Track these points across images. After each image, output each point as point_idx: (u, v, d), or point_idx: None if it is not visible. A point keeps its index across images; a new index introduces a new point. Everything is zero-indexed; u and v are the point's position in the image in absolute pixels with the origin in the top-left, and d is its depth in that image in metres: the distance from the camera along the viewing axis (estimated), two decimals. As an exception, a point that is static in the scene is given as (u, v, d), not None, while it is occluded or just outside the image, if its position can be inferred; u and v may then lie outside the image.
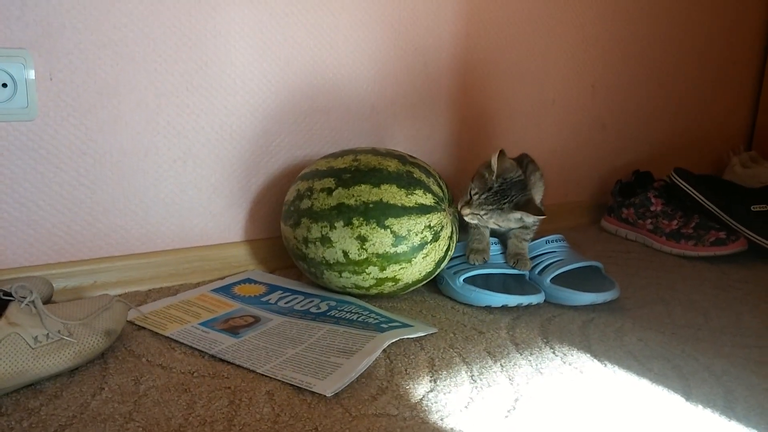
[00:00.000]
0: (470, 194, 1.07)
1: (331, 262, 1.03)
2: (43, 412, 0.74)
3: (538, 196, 1.12)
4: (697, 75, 1.88)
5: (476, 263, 1.13)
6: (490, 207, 1.06)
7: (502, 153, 1.06)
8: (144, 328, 0.95)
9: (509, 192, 1.05)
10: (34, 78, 0.96)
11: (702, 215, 1.49)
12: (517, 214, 1.05)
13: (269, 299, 1.08)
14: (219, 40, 1.10)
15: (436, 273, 1.09)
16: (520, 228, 1.14)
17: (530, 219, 1.07)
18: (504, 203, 1.05)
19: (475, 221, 1.09)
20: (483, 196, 1.06)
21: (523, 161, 1.14)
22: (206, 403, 0.77)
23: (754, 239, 1.42)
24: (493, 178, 1.05)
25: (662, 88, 1.81)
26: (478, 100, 1.45)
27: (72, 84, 1.00)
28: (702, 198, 1.51)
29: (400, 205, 1.00)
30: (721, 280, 1.30)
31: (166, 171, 1.11)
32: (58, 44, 0.98)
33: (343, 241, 1.00)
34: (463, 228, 1.15)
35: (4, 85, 0.94)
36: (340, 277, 1.04)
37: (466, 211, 1.07)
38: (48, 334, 0.78)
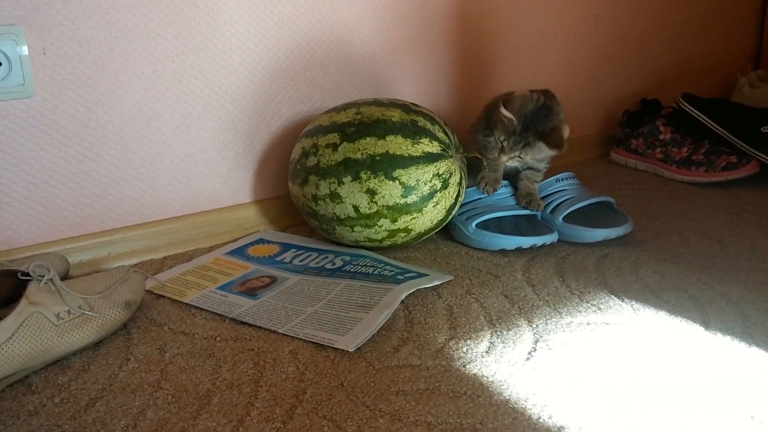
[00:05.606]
0: (500, 142, 1.09)
1: (342, 218, 1.03)
2: (73, 386, 0.75)
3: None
4: (700, -4, 1.84)
5: (487, 193, 1.14)
6: (521, 146, 1.07)
7: (505, 103, 1.05)
8: (163, 296, 0.96)
9: (533, 126, 1.06)
10: (27, 54, 0.95)
11: (712, 140, 1.47)
12: (541, 144, 1.06)
13: (284, 258, 1.08)
14: (210, -1, 1.08)
15: (448, 220, 1.09)
16: (529, 170, 1.14)
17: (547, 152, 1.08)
18: (530, 138, 1.06)
19: (515, 164, 1.11)
20: (511, 140, 1.07)
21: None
22: (231, 366, 0.78)
23: (766, 161, 1.41)
24: (514, 124, 1.05)
25: (665, 14, 1.77)
26: (478, 40, 1.42)
27: (66, 57, 0.98)
28: (711, 122, 1.48)
29: (406, 155, 0.99)
30: (734, 205, 1.29)
31: (170, 137, 1.10)
32: (48, 17, 0.96)
33: (353, 195, 1.00)
34: (471, 173, 1.14)
35: (-1, 64, 0.93)
36: (352, 231, 1.04)
37: (504, 158, 1.09)
38: (69, 310, 0.79)
